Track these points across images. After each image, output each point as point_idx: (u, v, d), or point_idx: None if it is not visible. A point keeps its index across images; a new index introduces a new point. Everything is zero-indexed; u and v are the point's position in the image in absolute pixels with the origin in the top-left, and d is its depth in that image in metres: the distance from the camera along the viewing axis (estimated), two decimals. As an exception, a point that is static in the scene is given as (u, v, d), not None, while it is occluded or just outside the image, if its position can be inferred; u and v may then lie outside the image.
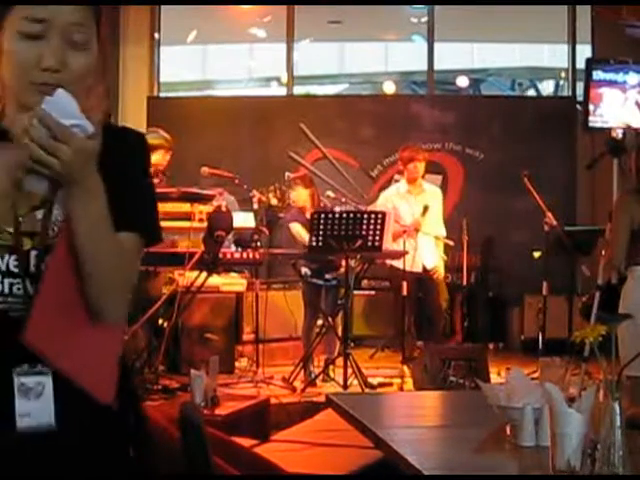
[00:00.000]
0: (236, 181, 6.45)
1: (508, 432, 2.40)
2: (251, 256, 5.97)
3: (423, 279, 6.99)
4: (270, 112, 9.12)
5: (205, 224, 5.61)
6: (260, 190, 6.57)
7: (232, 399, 4.87)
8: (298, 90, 10.18)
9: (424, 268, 6.93)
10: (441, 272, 7.06)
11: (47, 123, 1.38)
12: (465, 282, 8.03)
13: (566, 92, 9.84)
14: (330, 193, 6.75)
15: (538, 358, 5.02)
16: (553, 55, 11.44)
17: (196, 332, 6.73)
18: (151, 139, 6.39)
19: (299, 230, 6.54)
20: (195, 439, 2.14)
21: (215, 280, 6.57)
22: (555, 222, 7.11)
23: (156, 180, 6.46)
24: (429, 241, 6.96)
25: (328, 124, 8.72)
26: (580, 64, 8.92)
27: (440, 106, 9.22)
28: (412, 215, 6.87)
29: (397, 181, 7.00)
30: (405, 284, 6.57)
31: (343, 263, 6.32)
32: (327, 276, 6.60)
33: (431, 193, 7.08)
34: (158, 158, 6.41)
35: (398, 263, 6.76)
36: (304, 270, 6.62)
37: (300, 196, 6.64)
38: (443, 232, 7.11)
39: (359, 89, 12.97)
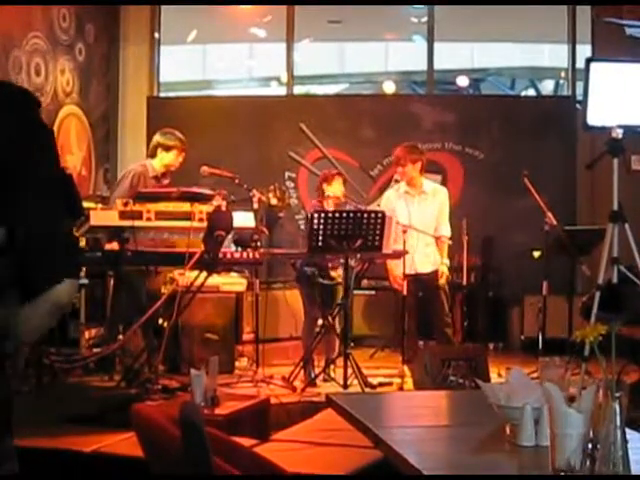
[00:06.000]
0: (236, 181, 6.44)
1: (508, 432, 2.41)
2: (251, 256, 5.96)
3: (422, 282, 6.82)
4: (270, 112, 9.12)
5: (205, 224, 5.60)
6: (260, 190, 6.56)
7: (232, 399, 4.86)
8: (298, 90, 10.18)
9: (416, 272, 6.72)
10: (442, 278, 6.79)
11: None
12: (465, 282, 8.01)
13: (566, 92, 9.84)
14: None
15: (538, 358, 5.01)
16: (553, 55, 11.44)
17: (196, 332, 6.73)
18: (166, 140, 6.41)
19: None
20: (195, 439, 2.14)
21: (215, 280, 6.57)
22: (555, 222, 7.10)
23: (165, 181, 6.47)
24: (424, 245, 6.80)
25: (328, 124, 8.72)
26: (580, 64, 8.92)
27: (440, 106, 9.21)
28: (408, 214, 6.74)
29: (397, 181, 6.94)
30: (405, 283, 6.55)
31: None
32: (332, 274, 6.59)
33: (433, 194, 6.91)
34: (171, 158, 6.43)
35: (394, 267, 6.71)
36: (310, 271, 6.59)
37: (338, 189, 6.65)
38: (447, 233, 6.90)
39: (359, 89, 12.98)
